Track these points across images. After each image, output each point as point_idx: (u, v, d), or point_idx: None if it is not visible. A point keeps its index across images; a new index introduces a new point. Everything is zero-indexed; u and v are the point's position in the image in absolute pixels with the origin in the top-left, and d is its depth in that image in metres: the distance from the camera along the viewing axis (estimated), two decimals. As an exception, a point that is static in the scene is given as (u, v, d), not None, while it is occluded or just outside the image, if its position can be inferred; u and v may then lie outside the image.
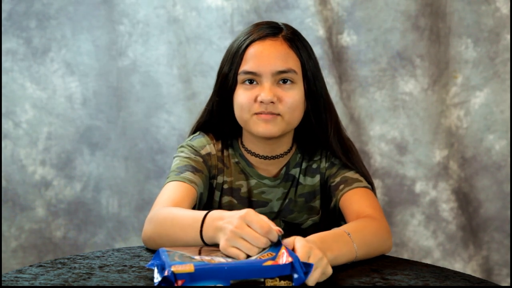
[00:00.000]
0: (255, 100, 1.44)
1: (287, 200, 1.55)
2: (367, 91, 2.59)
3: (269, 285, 1.07)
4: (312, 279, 1.12)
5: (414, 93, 2.58)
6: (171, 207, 1.37)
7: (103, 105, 2.64)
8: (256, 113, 1.45)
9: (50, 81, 2.61)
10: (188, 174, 1.46)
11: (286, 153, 1.54)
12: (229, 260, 1.13)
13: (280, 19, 2.43)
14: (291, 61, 1.45)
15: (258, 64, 1.44)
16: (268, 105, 1.43)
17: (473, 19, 2.55)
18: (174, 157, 1.54)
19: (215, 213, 1.23)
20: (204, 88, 2.56)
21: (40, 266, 1.24)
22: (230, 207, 1.53)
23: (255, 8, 2.55)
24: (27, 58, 2.60)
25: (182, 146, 1.55)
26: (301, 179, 1.56)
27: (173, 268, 1.05)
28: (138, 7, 2.58)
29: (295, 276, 1.07)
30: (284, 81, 1.45)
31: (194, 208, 1.46)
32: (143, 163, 2.65)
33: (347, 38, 2.58)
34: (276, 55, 1.44)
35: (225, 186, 1.54)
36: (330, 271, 1.16)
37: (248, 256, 1.14)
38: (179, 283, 1.05)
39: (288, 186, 1.55)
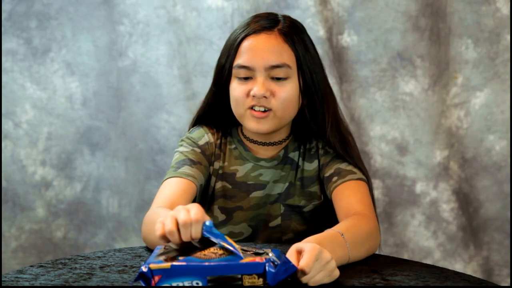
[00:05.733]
0: (248, 94, 1.45)
1: (287, 184, 1.54)
2: (368, 91, 2.59)
3: (246, 282, 1.08)
4: (313, 280, 1.12)
5: (414, 94, 2.58)
6: (159, 208, 1.38)
7: (103, 106, 2.64)
8: (250, 108, 1.45)
9: (50, 81, 2.61)
10: (186, 168, 1.48)
11: (284, 140, 1.55)
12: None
13: (280, 19, 2.43)
14: (285, 56, 1.45)
15: (252, 58, 1.44)
16: (260, 99, 1.44)
17: (474, 20, 2.55)
18: (174, 152, 1.56)
19: None
20: (205, 88, 2.53)
21: (41, 266, 1.24)
22: (223, 192, 1.54)
23: (255, 9, 2.55)
24: (27, 58, 2.60)
25: (182, 140, 1.57)
26: (301, 163, 1.55)
27: (150, 265, 1.08)
28: (138, 7, 2.58)
29: (268, 271, 1.08)
30: (278, 78, 1.44)
31: (194, 198, 1.47)
32: (143, 164, 2.64)
33: (347, 39, 2.58)
34: (269, 49, 1.44)
35: (220, 172, 1.55)
36: (336, 274, 1.16)
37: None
38: (156, 279, 1.07)
39: (288, 169, 1.55)
